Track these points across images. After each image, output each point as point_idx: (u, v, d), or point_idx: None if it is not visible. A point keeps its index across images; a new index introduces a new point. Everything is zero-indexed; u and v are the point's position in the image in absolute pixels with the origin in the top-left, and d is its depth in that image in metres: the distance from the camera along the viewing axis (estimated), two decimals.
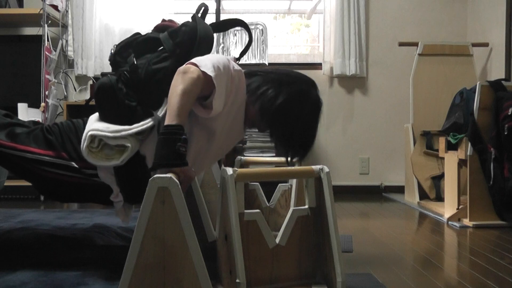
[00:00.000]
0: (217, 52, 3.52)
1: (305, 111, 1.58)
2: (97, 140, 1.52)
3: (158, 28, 1.70)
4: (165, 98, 1.53)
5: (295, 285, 1.39)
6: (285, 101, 1.55)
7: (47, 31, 3.41)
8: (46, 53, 3.41)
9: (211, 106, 1.47)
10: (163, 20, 1.74)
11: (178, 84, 1.40)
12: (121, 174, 1.55)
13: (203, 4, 1.73)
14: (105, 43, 3.73)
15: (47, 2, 3.46)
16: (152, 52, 1.62)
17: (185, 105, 1.38)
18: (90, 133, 1.52)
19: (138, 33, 1.69)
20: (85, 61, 3.74)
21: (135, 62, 1.58)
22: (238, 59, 1.73)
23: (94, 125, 1.56)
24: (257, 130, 1.70)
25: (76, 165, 1.58)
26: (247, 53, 3.52)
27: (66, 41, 3.77)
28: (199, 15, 1.69)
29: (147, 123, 1.53)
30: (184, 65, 1.47)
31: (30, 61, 3.62)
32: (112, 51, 1.66)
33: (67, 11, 3.74)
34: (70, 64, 3.83)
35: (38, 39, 3.45)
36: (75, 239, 1.96)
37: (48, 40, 3.43)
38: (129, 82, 1.57)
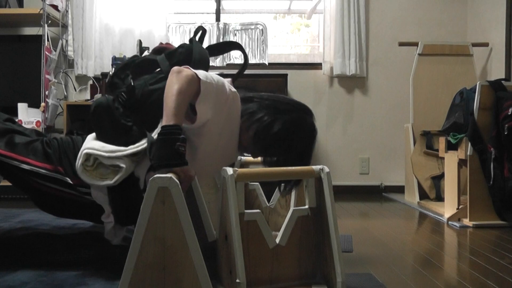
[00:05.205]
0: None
1: (300, 139, 1.57)
2: (92, 159, 1.54)
3: (156, 51, 1.73)
4: (160, 120, 1.50)
5: (295, 285, 1.38)
6: (281, 129, 1.54)
7: (47, 31, 3.41)
8: (46, 53, 3.40)
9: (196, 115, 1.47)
10: (161, 43, 1.78)
11: (173, 84, 1.41)
12: (114, 194, 1.56)
13: (200, 27, 1.76)
14: (105, 43, 3.72)
15: (47, 2, 3.46)
16: (149, 74, 1.64)
17: (181, 104, 1.39)
18: (85, 151, 1.53)
19: (136, 56, 1.72)
20: (85, 61, 3.74)
21: (132, 83, 1.60)
22: (234, 80, 1.75)
23: (90, 143, 1.57)
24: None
25: (70, 181, 1.60)
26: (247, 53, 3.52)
27: (66, 41, 3.77)
28: (197, 38, 1.72)
29: (142, 144, 1.53)
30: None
31: (30, 61, 3.61)
32: (110, 73, 1.68)
33: (67, 11, 3.74)
34: (70, 64, 3.83)
35: (38, 39, 3.45)
36: (75, 239, 1.96)
37: (48, 40, 3.43)
38: (126, 102, 1.59)
